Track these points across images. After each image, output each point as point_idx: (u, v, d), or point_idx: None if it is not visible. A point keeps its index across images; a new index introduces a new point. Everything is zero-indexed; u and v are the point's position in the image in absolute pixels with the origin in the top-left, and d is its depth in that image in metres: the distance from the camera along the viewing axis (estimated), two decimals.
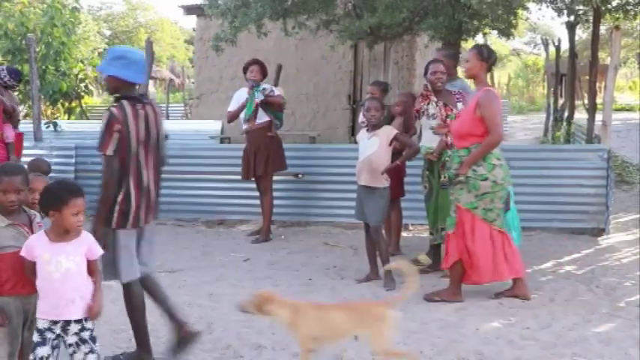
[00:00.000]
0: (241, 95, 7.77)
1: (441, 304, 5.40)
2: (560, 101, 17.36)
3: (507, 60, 44.70)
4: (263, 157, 7.62)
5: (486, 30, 11.63)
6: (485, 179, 5.33)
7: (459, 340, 4.62)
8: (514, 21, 10.44)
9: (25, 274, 3.43)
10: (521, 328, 4.86)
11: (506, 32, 10.79)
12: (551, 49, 18.62)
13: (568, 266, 6.61)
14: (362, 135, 6.16)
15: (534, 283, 5.97)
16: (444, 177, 5.79)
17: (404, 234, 7.53)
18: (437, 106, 6.22)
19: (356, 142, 6.57)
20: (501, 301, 5.46)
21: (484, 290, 5.65)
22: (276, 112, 7.77)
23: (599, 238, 7.59)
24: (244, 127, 7.78)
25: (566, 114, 14.98)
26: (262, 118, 7.66)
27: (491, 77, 22.53)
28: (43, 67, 15.94)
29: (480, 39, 19.14)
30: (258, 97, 7.59)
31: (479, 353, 4.39)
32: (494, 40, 26.60)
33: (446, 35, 9.85)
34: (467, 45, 12.65)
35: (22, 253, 3.39)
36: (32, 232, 3.54)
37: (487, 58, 5.48)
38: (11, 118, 7.44)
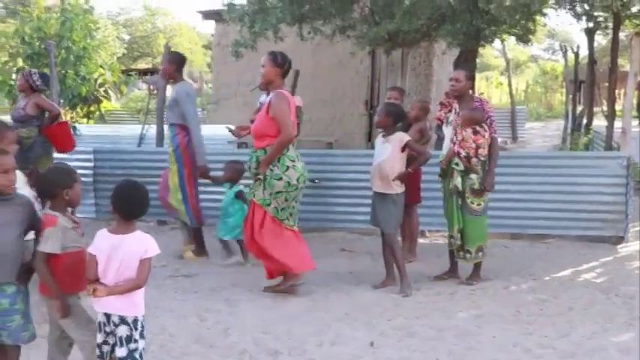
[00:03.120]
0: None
1: (457, 311, 5.37)
2: (579, 108, 17.25)
3: (525, 66, 44.54)
4: None
5: (504, 36, 11.59)
6: (280, 179, 5.60)
7: (476, 348, 4.59)
8: (532, 27, 10.40)
9: (83, 271, 3.53)
10: (539, 336, 4.82)
11: (524, 38, 10.76)
12: (570, 56, 18.50)
13: (586, 274, 6.55)
14: (378, 140, 6.17)
15: (552, 291, 5.93)
16: (453, 185, 6.00)
17: (420, 240, 7.51)
18: (455, 114, 6.22)
19: (373, 148, 6.57)
20: (519, 309, 5.42)
21: (500, 299, 5.63)
22: None
23: (617, 247, 7.53)
24: None
25: (584, 121, 14.89)
26: None
27: (509, 83, 22.45)
28: (63, 71, 16.07)
29: (497, 45, 19.14)
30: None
31: None
32: (513, 47, 26.51)
33: (463, 41, 9.82)
34: (484, 51, 12.62)
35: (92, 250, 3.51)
36: None
37: (282, 64, 5.78)
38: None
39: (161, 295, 5.77)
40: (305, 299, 5.71)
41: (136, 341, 3.51)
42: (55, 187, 3.66)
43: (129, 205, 3.53)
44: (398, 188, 5.94)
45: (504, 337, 4.80)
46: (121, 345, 3.49)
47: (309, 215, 8.49)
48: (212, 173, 7.08)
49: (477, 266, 6.23)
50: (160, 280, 6.19)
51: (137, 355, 3.52)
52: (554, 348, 4.59)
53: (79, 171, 7.63)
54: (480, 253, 6.15)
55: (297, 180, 5.67)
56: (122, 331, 3.48)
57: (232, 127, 6.46)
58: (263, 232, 5.68)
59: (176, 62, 7.07)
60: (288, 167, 5.63)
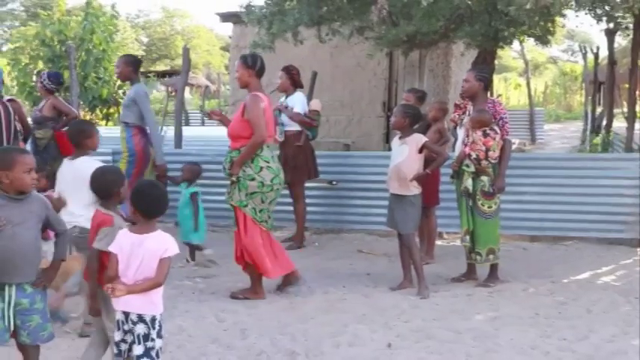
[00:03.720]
0: (281, 102, 7.83)
1: (474, 314, 5.35)
2: (599, 109, 17.12)
3: (544, 68, 44.27)
4: (291, 165, 7.64)
5: (523, 37, 11.52)
6: (253, 179, 5.62)
7: (494, 350, 4.57)
8: (552, 28, 10.32)
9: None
10: (558, 339, 4.79)
11: (543, 40, 10.67)
12: (590, 57, 18.38)
13: (606, 277, 6.51)
14: (395, 142, 6.16)
15: (571, 293, 5.89)
16: (463, 187, 6.01)
17: (438, 242, 7.49)
18: (468, 115, 6.20)
19: (390, 150, 6.57)
20: (537, 311, 5.39)
21: (518, 301, 5.61)
22: (304, 126, 7.72)
23: (637, 249, 7.46)
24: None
25: (604, 122, 14.76)
26: (292, 126, 7.67)
27: (528, 85, 22.34)
28: (83, 73, 16.21)
29: (516, 46, 19.02)
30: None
31: None
32: (531, 48, 26.36)
33: (482, 43, 9.77)
34: (503, 52, 12.56)
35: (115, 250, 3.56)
36: None
37: (252, 65, 5.79)
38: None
39: (179, 295, 5.80)
40: (322, 300, 5.72)
41: (152, 340, 3.52)
42: (113, 187, 3.84)
43: (149, 205, 3.56)
44: (415, 190, 5.93)
45: (522, 339, 4.77)
46: (139, 342, 3.50)
47: (327, 217, 8.53)
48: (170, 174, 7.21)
49: (494, 268, 6.20)
50: (177, 281, 6.23)
51: (153, 354, 3.53)
52: (573, 351, 4.56)
53: None
54: (491, 256, 6.12)
55: (272, 180, 5.69)
56: (140, 329, 3.50)
57: (207, 110, 6.63)
58: (247, 236, 5.70)
59: (132, 64, 7.16)
60: (261, 168, 5.66)
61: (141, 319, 3.51)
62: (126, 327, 3.54)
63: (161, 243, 3.51)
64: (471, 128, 6.04)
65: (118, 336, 3.58)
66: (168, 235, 3.59)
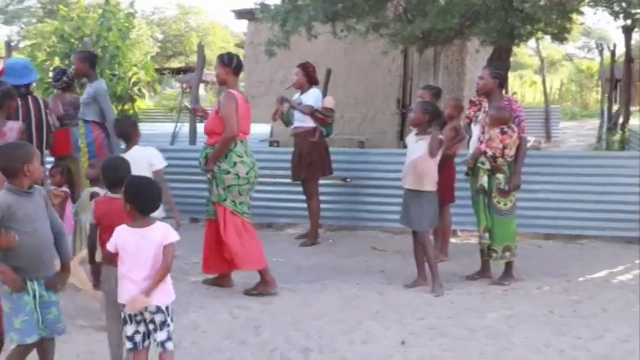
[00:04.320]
0: (296, 99, 7.83)
1: (489, 312, 5.34)
2: (615, 107, 17.00)
3: (560, 65, 43.97)
4: (305, 162, 7.65)
5: (539, 34, 11.46)
6: (228, 173, 5.73)
7: (508, 349, 4.56)
8: (568, 25, 10.26)
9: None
10: (573, 337, 4.76)
11: (559, 37, 10.61)
12: (606, 54, 18.26)
13: (621, 276, 6.46)
14: (410, 138, 6.14)
15: (586, 292, 5.86)
16: (479, 184, 6.01)
17: (452, 240, 7.47)
18: (484, 112, 6.18)
19: (404, 147, 6.57)
20: (552, 309, 5.37)
21: (533, 299, 5.59)
22: (320, 122, 7.72)
23: None
24: (291, 129, 7.85)
25: (620, 120, 14.67)
26: (307, 123, 7.67)
27: (543, 82, 22.21)
28: (98, 70, 16.28)
29: (531, 43, 18.94)
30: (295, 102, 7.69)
31: None
32: (547, 45, 26.22)
33: (497, 40, 9.74)
34: (518, 50, 12.50)
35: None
36: None
37: (229, 63, 5.91)
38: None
39: (193, 291, 5.82)
40: (336, 297, 5.72)
41: (169, 325, 3.67)
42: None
43: (146, 200, 3.68)
44: (430, 186, 5.91)
45: (537, 337, 4.75)
46: (161, 329, 3.64)
47: (341, 214, 8.53)
48: None
49: (509, 266, 6.18)
50: (192, 277, 6.25)
51: (172, 336, 3.70)
52: (587, 350, 4.54)
53: None
54: (508, 253, 6.09)
55: (247, 173, 5.81)
56: (159, 317, 3.64)
57: (189, 106, 6.93)
58: (227, 229, 5.75)
59: (89, 60, 7.15)
60: (235, 162, 5.77)
61: (159, 309, 3.62)
62: (138, 318, 3.63)
63: (161, 232, 3.65)
64: (488, 125, 6.01)
65: (130, 330, 3.65)
66: (165, 224, 3.72)
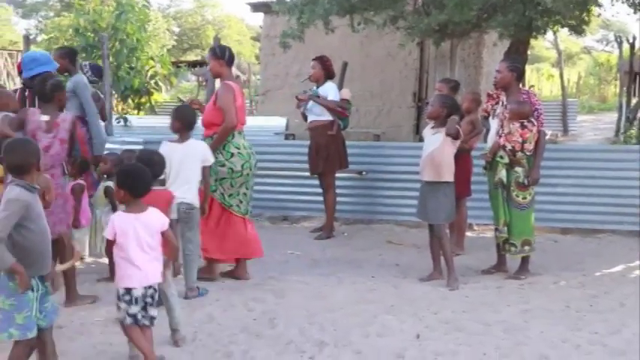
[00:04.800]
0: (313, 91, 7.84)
1: (504, 306, 5.31)
2: (634, 100, 16.83)
3: (578, 58, 43.59)
4: (323, 155, 7.65)
5: (557, 27, 11.36)
6: (223, 165, 5.80)
7: (524, 343, 4.54)
8: (587, 18, 10.17)
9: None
10: (589, 332, 4.73)
11: (578, 30, 10.52)
12: (625, 47, 18.06)
13: (639, 271, 6.41)
14: (427, 131, 6.12)
15: (603, 286, 5.82)
16: (497, 178, 5.96)
17: (468, 234, 7.44)
18: (502, 106, 6.14)
19: (420, 140, 6.55)
20: (568, 304, 5.34)
21: (549, 294, 5.56)
22: (337, 115, 7.72)
23: None
24: (308, 121, 7.85)
25: (639, 114, 14.52)
26: (324, 116, 7.67)
27: (561, 75, 22.04)
28: (116, 63, 16.34)
29: (549, 36, 18.76)
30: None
31: (544, 357, 4.30)
32: (565, 38, 25.98)
33: (515, 33, 9.68)
34: (535, 42, 12.40)
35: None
36: None
37: (221, 55, 6.02)
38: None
39: (209, 284, 5.83)
40: (351, 290, 5.72)
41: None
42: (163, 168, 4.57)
43: (138, 185, 3.93)
44: (448, 177, 5.87)
45: (553, 332, 4.73)
46: (151, 306, 3.97)
47: (356, 207, 8.53)
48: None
49: (525, 260, 6.15)
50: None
51: None
52: (604, 345, 4.51)
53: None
54: (527, 247, 6.06)
55: (242, 166, 5.87)
56: (155, 295, 3.99)
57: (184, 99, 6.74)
58: (209, 218, 5.83)
59: (68, 56, 7.16)
60: (232, 154, 5.84)
61: (157, 287, 4.01)
62: (147, 298, 3.92)
63: (157, 217, 3.95)
64: (508, 119, 5.97)
65: (136, 309, 3.90)
66: (156, 209, 4.00)
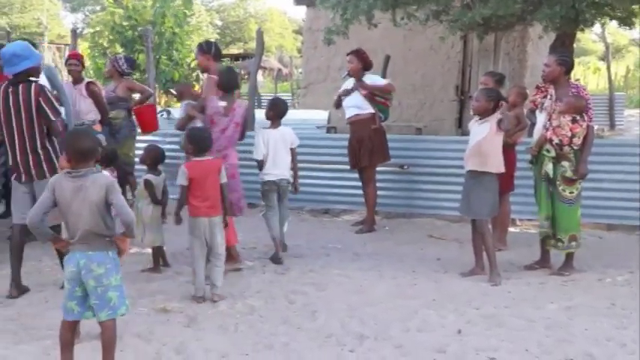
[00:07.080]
0: (347, 84, 7.81)
1: (547, 302, 5.24)
2: None
3: (626, 51, 42.66)
4: (367, 148, 7.63)
5: (605, 19, 11.12)
6: None
7: (567, 340, 4.48)
8: (636, 9, 9.93)
9: None
10: (635, 331, 4.65)
11: (627, 21, 10.28)
12: None
13: None
14: (473, 123, 6.05)
15: None
16: (544, 172, 5.91)
17: (511, 229, 7.36)
18: (550, 99, 6.05)
19: (463, 134, 6.48)
20: (613, 301, 5.24)
21: (593, 291, 5.47)
22: (380, 106, 7.72)
23: None
24: (347, 116, 7.83)
25: None
26: (366, 109, 7.65)
27: (608, 69, 21.58)
28: (157, 56, 16.55)
29: (596, 29, 18.41)
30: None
31: (588, 355, 4.24)
32: (613, 31, 25.44)
33: (561, 25, 9.49)
34: (581, 35, 12.17)
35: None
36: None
37: (208, 50, 6.51)
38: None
39: (250, 276, 5.89)
40: (391, 285, 5.71)
41: None
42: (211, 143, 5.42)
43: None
44: (494, 167, 5.81)
45: (597, 330, 4.66)
46: None
47: (397, 201, 8.49)
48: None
49: (570, 256, 6.06)
50: (249, 262, 6.33)
51: None
52: None
53: (172, 153, 7.98)
54: (574, 243, 5.97)
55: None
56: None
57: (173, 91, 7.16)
58: None
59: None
60: None
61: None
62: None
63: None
64: (558, 113, 5.87)
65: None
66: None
